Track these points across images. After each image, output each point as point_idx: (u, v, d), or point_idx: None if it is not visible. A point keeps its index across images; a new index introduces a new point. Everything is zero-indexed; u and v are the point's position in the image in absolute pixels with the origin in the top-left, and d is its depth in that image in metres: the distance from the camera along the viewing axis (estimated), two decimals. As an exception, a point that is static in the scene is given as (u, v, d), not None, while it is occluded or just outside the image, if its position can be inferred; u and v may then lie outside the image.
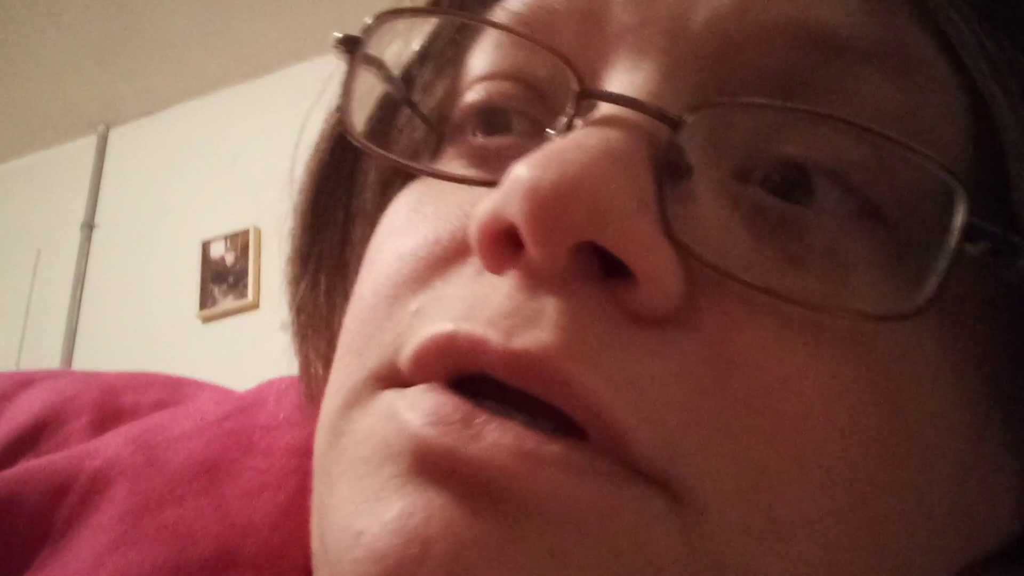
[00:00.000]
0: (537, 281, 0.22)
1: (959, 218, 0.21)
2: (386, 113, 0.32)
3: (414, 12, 0.31)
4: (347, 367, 0.26)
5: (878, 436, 0.22)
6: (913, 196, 0.23)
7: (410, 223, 0.26)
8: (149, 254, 2.47)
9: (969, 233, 0.21)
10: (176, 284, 2.37)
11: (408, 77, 0.31)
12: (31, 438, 0.34)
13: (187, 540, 0.29)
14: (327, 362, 0.31)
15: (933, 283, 0.21)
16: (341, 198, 0.33)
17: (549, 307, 0.21)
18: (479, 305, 0.22)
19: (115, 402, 0.37)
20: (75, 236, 2.59)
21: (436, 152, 0.30)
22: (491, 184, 0.23)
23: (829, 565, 0.22)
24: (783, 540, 0.21)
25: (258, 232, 2.33)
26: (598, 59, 0.25)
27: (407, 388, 0.23)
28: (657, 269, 0.21)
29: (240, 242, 2.34)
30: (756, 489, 0.21)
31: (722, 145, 0.24)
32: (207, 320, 2.31)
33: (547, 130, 0.25)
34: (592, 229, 0.21)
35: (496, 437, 0.20)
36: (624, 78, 0.24)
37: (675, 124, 0.23)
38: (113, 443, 0.33)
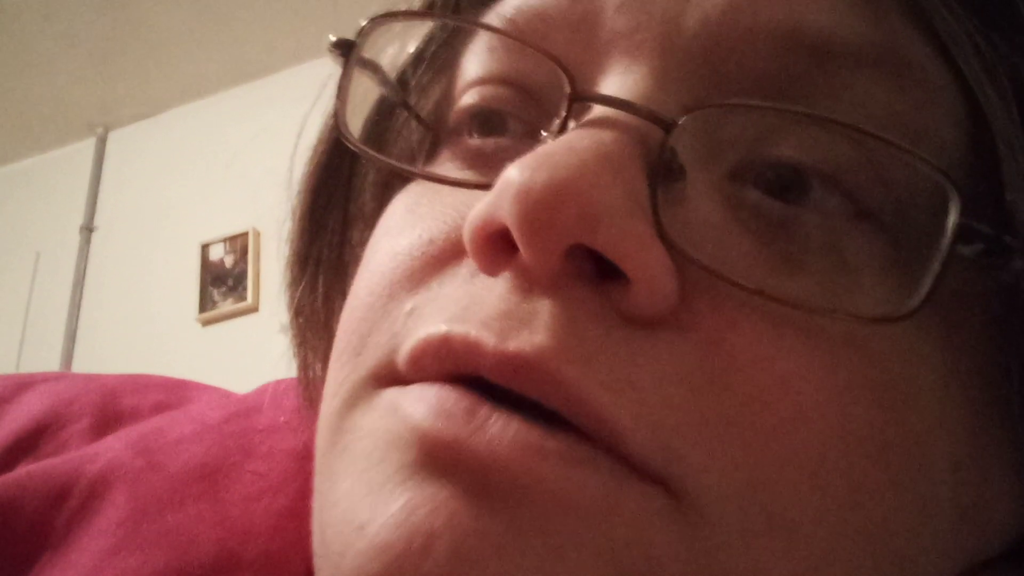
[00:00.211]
0: (531, 283, 0.22)
1: (952, 219, 0.21)
2: (383, 116, 0.32)
3: (408, 15, 0.31)
4: (345, 367, 0.26)
5: (874, 436, 0.22)
6: (907, 197, 0.23)
7: (405, 223, 0.27)
8: (148, 257, 2.47)
9: (963, 234, 0.21)
10: (175, 287, 2.37)
11: (403, 80, 0.31)
12: (31, 441, 0.34)
13: (187, 545, 0.29)
14: (326, 364, 0.31)
15: (927, 284, 0.21)
16: (339, 201, 0.33)
17: (543, 309, 0.21)
18: (473, 306, 0.22)
19: (115, 405, 0.37)
20: (74, 239, 2.60)
21: (432, 154, 0.30)
22: (486, 187, 0.23)
23: (827, 564, 0.22)
24: (780, 539, 0.21)
25: (257, 234, 2.33)
26: (591, 63, 0.25)
27: (407, 386, 0.23)
28: (650, 270, 0.21)
29: (239, 244, 2.34)
30: (753, 488, 0.21)
31: (716, 147, 0.24)
32: (206, 323, 2.31)
33: (541, 132, 0.25)
34: (584, 231, 0.21)
35: (500, 430, 0.20)
36: (617, 81, 0.24)
37: (667, 126, 0.23)
38: (113, 447, 0.33)
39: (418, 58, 0.32)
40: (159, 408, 0.37)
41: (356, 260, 0.29)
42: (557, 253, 0.21)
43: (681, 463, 0.21)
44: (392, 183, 0.31)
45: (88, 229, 2.61)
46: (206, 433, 0.34)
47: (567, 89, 0.24)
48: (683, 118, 0.23)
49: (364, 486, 0.22)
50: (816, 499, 0.21)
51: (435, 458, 0.21)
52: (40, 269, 2.61)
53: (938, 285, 0.21)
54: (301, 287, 0.33)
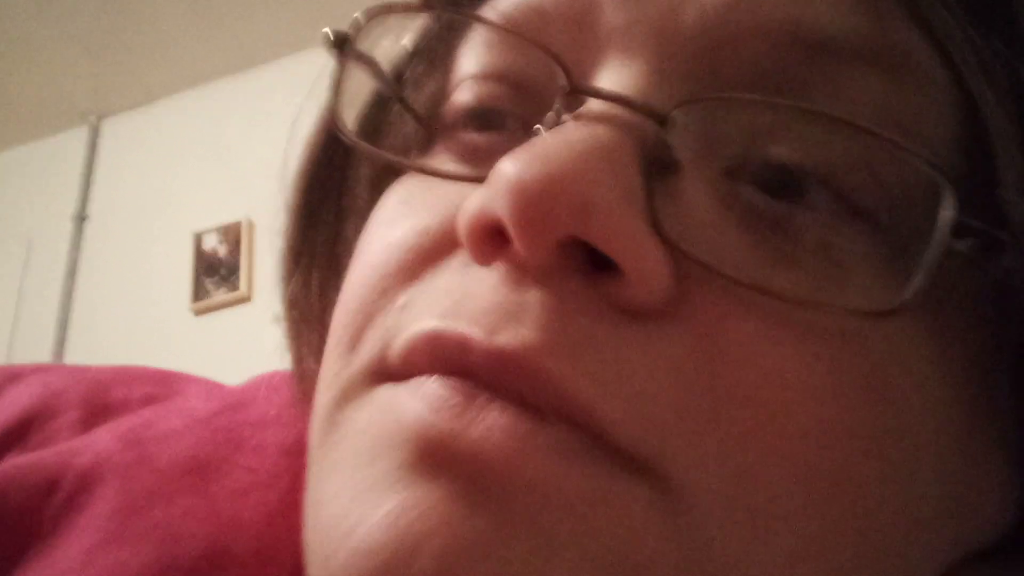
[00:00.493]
0: (523, 275, 0.22)
1: (946, 214, 0.22)
2: (377, 109, 0.32)
3: (405, 8, 0.31)
4: (338, 361, 0.26)
5: (863, 430, 0.22)
6: (902, 193, 0.23)
7: (399, 215, 0.27)
8: (141, 246, 2.47)
9: (956, 229, 0.21)
10: (168, 276, 2.37)
11: (399, 73, 0.31)
12: (19, 434, 0.34)
13: (177, 539, 0.29)
14: (320, 358, 0.31)
15: (920, 278, 0.22)
16: (333, 194, 0.33)
17: (533, 302, 0.21)
18: (465, 300, 0.22)
19: (104, 397, 0.36)
20: (67, 228, 2.59)
21: (427, 148, 0.30)
22: (480, 180, 0.23)
23: (814, 556, 0.22)
24: (768, 531, 0.21)
25: (251, 224, 2.33)
26: (588, 59, 0.25)
27: (402, 382, 0.23)
28: (642, 262, 0.21)
29: (232, 234, 2.34)
30: (741, 481, 0.21)
31: (712, 143, 0.24)
32: (199, 313, 2.31)
33: (536, 126, 0.25)
34: (577, 223, 0.21)
35: (495, 417, 0.21)
36: (613, 76, 0.24)
37: (662, 120, 0.23)
38: (102, 440, 0.33)
39: (414, 52, 0.31)
40: (149, 400, 0.36)
41: (350, 254, 0.29)
42: (549, 245, 0.21)
43: (669, 455, 0.21)
44: (386, 176, 0.31)
45: (81, 218, 2.61)
46: (196, 426, 0.34)
47: (562, 83, 0.24)
48: (678, 112, 0.23)
49: (355, 486, 0.22)
50: (802, 491, 0.21)
51: (428, 457, 0.21)
52: (32, 258, 2.60)
53: (930, 279, 0.21)
54: (295, 281, 0.33)
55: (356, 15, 0.28)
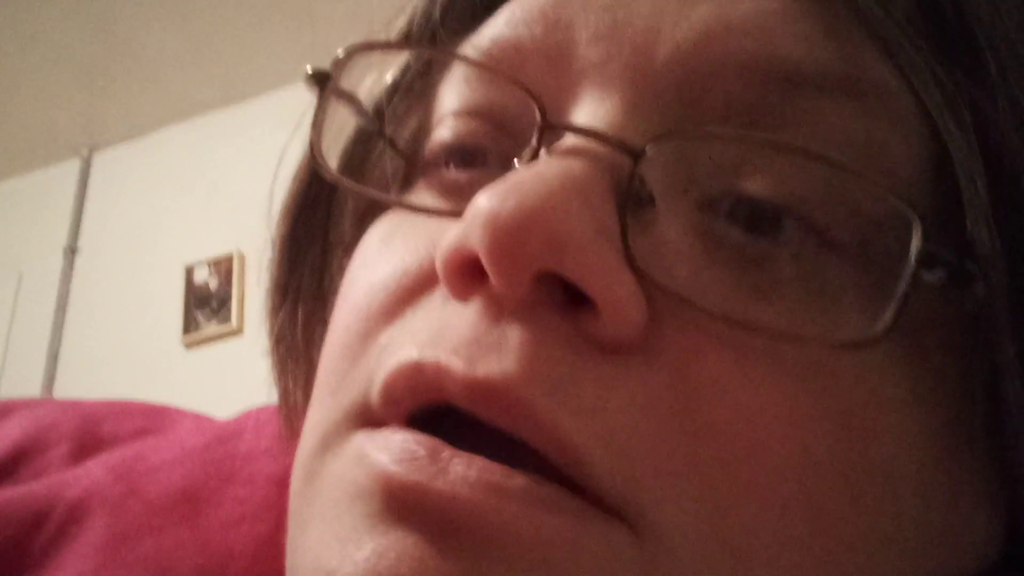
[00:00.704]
0: (501, 309, 0.22)
1: (915, 245, 0.22)
2: (361, 145, 0.32)
3: (385, 46, 0.31)
4: (322, 406, 0.26)
5: (839, 464, 0.22)
6: (874, 225, 0.23)
7: (380, 255, 0.27)
8: (132, 279, 2.46)
9: (925, 260, 0.22)
10: (159, 309, 2.36)
11: (380, 109, 0.31)
12: (9, 467, 0.34)
13: (167, 570, 0.29)
14: (306, 392, 0.31)
15: (892, 310, 0.22)
16: (318, 229, 0.33)
17: (512, 335, 0.21)
18: (444, 332, 0.22)
19: (95, 430, 0.36)
20: (57, 260, 2.58)
21: (409, 183, 0.30)
22: (459, 215, 0.23)
23: None
24: (743, 569, 0.21)
25: (242, 257, 2.32)
26: (564, 94, 0.25)
27: (378, 429, 0.23)
28: (617, 297, 0.21)
29: (224, 267, 2.34)
30: (715, 518, 0.21)
31: (686, 177, 0.24)
32: (190, 345, 2.30)
33: (514, 161, 0.25)
34: (551, 258, 0.21)
35: (462, 470, 0.21)
36: (588, 111, 0.24)
37: (636, 155, 0.23)
38: (92, 472, 0.33)
39: (395, 88, 0.32)
40: (139, 434, 0.37)
41: (335, 288, 0.29)
42: (525, 279, 0.21)
43: (644, 494, 0.21)
44: (371, 210, 0.31)
45: (71, 250, 2.60)
46: (187, 458, 0.34)
47: (538, 119, 0.24)
48: (652, 147, 0.23)
49: (333, 533, 0.22)
50: (778, 528, 0.21)
51: (399, 504, 0.21)
52: (23, 291, 2.59)
53: (902, 310, 0.22)
54: (281, 315, 0.33)
55: (338, 53, 0.28)
